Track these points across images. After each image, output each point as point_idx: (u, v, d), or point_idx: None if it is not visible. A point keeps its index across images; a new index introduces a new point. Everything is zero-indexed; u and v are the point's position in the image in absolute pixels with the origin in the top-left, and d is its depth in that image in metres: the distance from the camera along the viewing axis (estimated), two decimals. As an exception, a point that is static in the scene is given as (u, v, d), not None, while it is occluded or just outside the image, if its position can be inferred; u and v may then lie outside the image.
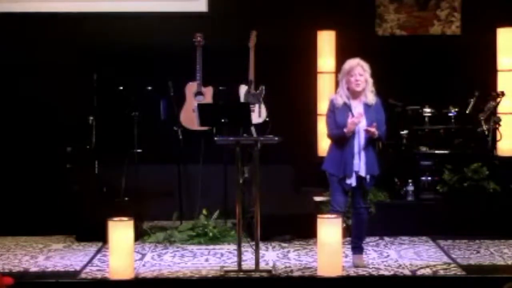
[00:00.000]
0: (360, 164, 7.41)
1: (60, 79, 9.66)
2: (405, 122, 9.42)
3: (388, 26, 10.09)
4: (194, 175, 9.50)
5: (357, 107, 7.45)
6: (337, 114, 7.45)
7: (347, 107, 7.43)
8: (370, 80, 7.48)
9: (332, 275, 7.13)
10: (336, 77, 7.92)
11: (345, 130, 7.36)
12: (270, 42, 9.46)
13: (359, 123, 7.36)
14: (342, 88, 7.50)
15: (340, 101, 7.46)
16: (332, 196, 7.59)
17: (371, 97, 7.46)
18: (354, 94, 7.47)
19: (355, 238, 7.70)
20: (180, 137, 9.29)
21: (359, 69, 7.43)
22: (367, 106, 7.45)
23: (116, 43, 9.77)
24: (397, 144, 9.35)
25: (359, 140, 7.41)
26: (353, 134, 7.39)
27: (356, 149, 7.41)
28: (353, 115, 7.36)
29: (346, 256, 7.76)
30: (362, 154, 7.42)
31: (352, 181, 7.43)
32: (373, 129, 7.32)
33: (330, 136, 7.57)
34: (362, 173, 7.43)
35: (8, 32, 9.81)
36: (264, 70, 9.39)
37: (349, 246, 7.74)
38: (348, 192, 7.55)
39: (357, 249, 7.67)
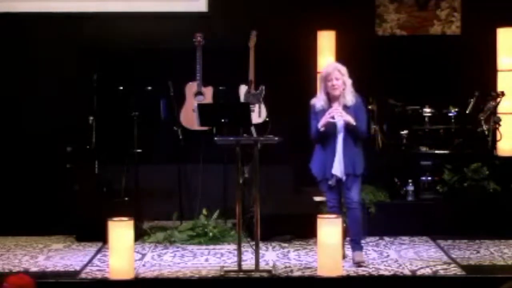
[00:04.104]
0: (338, 165, 7.51)
1: (60, 79, 9.66)
2: (405, 122, 9.42)
3: (388, 26, 10.10)
4: (194, 175, 9.49)
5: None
6: (317, 118, 7.56)
7: (325, 112, 7.52)
8: (349, 82, 7.56)
9: (332, 275, 7.13)
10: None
11: (319, 125, 7.48)
12: (270, 42, 9.47)
13: (332, 115, 7.45)
14: (321, 92, 7.63)
15: (319, 105, 7.59)
16: (325, 196, 7.78)
17: (349, 98, 7.55)
18: (334, 98, 7.56)
19: (352, 235, 7.74)
20: (180, 137, 9.29)
21: (336, 73, 7.53)
22: (346, 108, 7.53)
23: (116, 43, 9.78)
24: (397, 144, 9.35)
25: (339, 141, 7.52)
26: (333, 136, 7.52)
27: (336, 151, 7.53)
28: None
29: (346, 256, 7.77)
30: (342, 155, 7.52)
31: (332, 182, 7.57)
32: (345, 115, 7.41)
33: (312, 138, 7.69)
34: (338, 174, 7.52)
35: (8, 32, 9.81)
36: (264, 70, 9.39)
37: (349, 246, 7.75)
38: (334, 188, 7.65)
39: (356, 246, 7.70)
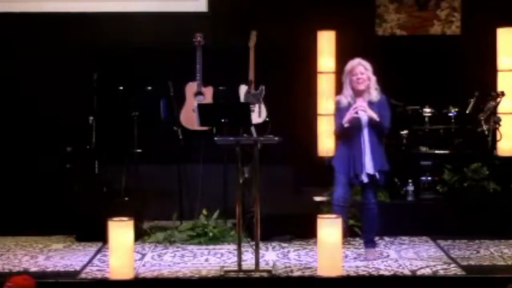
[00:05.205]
0: (367, 162, 7.58)
1: (60, 79, 9.66)
2: (405, 122, 9.42)
3: (388, 26, 10.10)
4: (194, 175, 9.49)
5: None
6: (342, 114, 7.61)
7: (351, 107, 7.57)
8: (373, 78, 7.66)
9: (332, 275, 7.13)
10: (336, 77, 7.98)
11: (343, 121, 7.56)
12: (270, 42, 9.47)
13: (356, 110, 7.52)
14: (346, 88, 7.70)
15: (344, 101, 7.68)
16: (334, 191, 7.77)
17: (375, 95, 7.66)
18: (358, 93, 7.63)
19: (365, 233, 7.90)
20: (180, 137, 9.29)
21: (360, 68, 7.62)
22: (371, 104, 7.61)
23: (116, 43, 9.77)
24: (397, 144, 9.35)
25: (364, 138, 7.58)
26: (357, 132, 7.56)
27: (362, 147, 7.59)
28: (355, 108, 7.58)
29: (346, 256, 7.77)
30: (369, 152, 7.59)
31: (363, 178, 7.60)
32: (369, 111, 7.49)
33: (335, 133, 7.85)
34: (371, 170, 7.58)
35: (8, 32, 9.80)
36: (264, 70, 9.39)
37: (349, 246, 7.76)
38: (352, 186, 7.75)
39: (369, 243, 7.82)
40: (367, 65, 7.64)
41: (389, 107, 7.76)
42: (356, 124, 7.57)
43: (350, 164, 7.61)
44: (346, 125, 7.57)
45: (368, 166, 7.58)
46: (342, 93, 7.78)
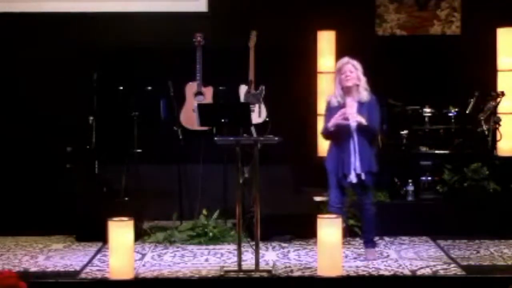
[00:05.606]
0: (356, 162, 7.54)
1: (60, 79, 9.66)
2: (405, 122, 9.42)
3: (388, 26, 10.10)
4: (194, 175, 9.49)
5: (351, 106, 7.56)
6: (332, 114, 7.60)
7: (340, 107, 7.56)
8: (363, 78, 7.63)
9: (332, 275, 7.12)
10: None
11: (329, 124, 7.56)
12: (270, 42, 9.47)
13: (344, 117, 7.49)
14: (337, 87, 7.68)
15: (334, 101, 7.66)
16: (329, 193, 7.77)
17: (364, 95, 7.62)
18: (347, 92, 7.60)
19: (365, 233, 7.91)
20: (180, 137, 9.29)
21: (349, 67, 7.60)
22: (360, 104, 7.58)
23: (116, 43, 9.78)
24: (397, 144, 9.35)
25: (354, 140, 7.55)
26: (347, 134, 7.54)
27: (351, 148, 7.56)
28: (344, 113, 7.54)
29: (346, 256, 7.78)
30: (358, 152, 7.55)
31: (352, 178, 7.56)
32: (358, 117, 7.45)
33: (322, 134, 7.81)
34: (358, 170, 7.56)
35: (8, 32, 9.81)
36: (264, 70, 9.40)
37: (349, 246, 7.76)
38: (346, 189, 7.73)
39: (369, 243, 7.83)
40: (357, 64, 7.62)
41: (378, 108, 7.72)
42: (344, 127, 7.53)
43: (339, 165, 7.61)
44: (331, 128, 7.57)
45: (356, 166, 7.56)
46: (333, 93, 7.78)
